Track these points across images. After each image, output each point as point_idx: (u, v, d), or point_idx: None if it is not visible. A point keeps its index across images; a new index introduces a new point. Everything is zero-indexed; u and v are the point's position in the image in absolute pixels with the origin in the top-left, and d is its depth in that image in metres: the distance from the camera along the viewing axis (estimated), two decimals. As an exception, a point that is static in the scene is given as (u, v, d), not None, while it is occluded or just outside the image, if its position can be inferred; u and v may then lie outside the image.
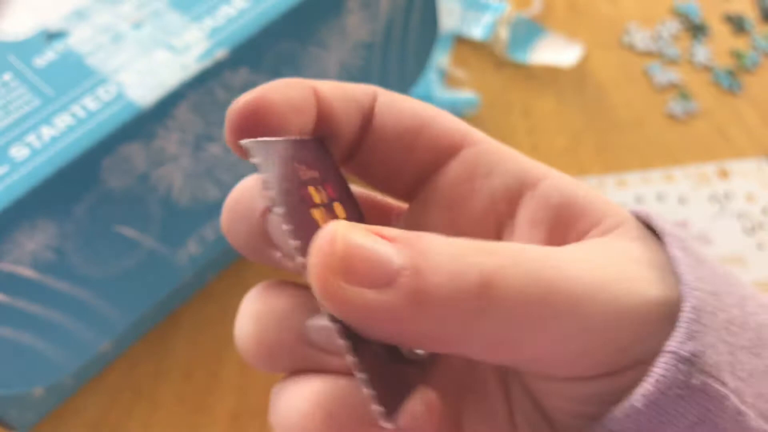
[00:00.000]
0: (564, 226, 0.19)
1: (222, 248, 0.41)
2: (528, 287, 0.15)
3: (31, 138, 0.32)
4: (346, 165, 0.21)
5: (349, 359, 0.15)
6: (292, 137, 0.18)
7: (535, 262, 0.15)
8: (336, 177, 0.19)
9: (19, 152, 0.32)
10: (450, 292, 0.14)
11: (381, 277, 0.14)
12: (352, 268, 0.14)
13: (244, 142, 0.16)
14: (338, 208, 0.18)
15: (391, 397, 0.15)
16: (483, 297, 0.14)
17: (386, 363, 0.16)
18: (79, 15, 0.36)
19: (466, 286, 0.14)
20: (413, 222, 0.21)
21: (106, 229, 0.34)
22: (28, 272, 0.32)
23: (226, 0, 0.37)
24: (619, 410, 0.16)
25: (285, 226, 0.16)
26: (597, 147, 0.55)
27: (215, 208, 0.39)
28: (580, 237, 0.18)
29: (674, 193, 0.53)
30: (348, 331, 0.15)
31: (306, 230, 0.16)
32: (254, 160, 0.16)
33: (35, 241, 0.32)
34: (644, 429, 0.16)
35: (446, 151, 0.20)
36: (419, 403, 0.16)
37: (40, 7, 0.37)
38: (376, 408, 0.15)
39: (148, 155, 0.34)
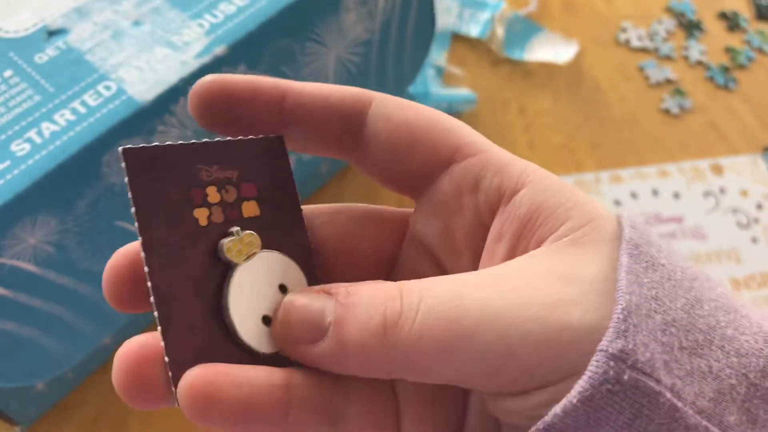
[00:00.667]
0: (526, 235, 0.19)
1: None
2: (426, 324, 0.17)
3: (31, 134, 0.33)
4: (349, 159, 0.22)
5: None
6: (213, 140, 0.20)
7: (437, 299, 0.17)
8: (271, 178, 0.20)
9: (20, 148, 0.32)
10: (360, 338, 0.17)
11: (315, 333, 0.18)
12: (292, 333, 0.18)
13: (121, 149, 0.18)
14: (249, 207, 0.20)
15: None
16: (386, 337, 0.17)
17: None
18: (80, 12, 0.37)
19: (372, 329, 0.17)
20: (417, 229, 0.22)
21: (106, 224, 0.34)
22: (29, 267, 0.33)
23: (225, -3, 0.37)
24: (558, 407, 0.16)
25: (136, 223, 0.18)
26: (592, 143, 0.56)
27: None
28: (538, 244, 0.19)
29: (669, 189, 0.54)
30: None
31: (170, 230, 0.18)
32: (123, 164, 0.18)
33: (36, 235, 0.32)
34: (582, 426, 0.16)
35: (437, 167, 0.21)
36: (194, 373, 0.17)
37: (40, 4, 0.37)
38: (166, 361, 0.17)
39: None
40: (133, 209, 0.18)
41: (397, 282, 0.18)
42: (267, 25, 0.37)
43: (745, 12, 0.64)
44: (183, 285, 0.18)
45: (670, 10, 0.64)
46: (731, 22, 0.63)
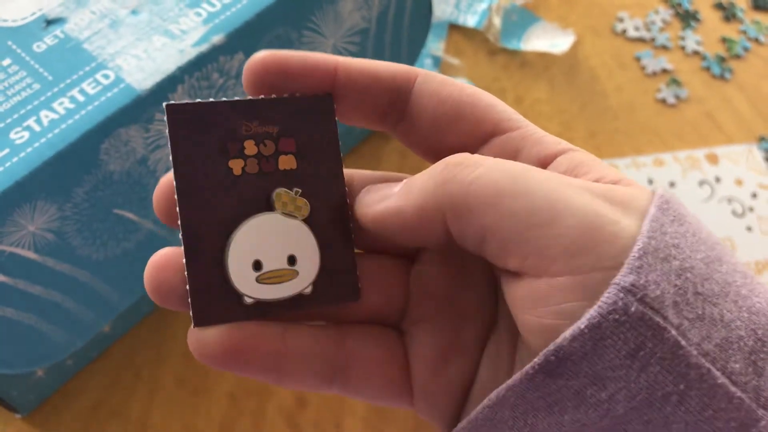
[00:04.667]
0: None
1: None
2: (484, 172, 0.19)
3: (30, 122, 0.33)
4: (393, 131, 0.23)
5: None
6: (258, 97, 0.21)
7: (499, 161, 0.19)
8: (313, 135, 0.22)
9: (19, 136, 0.32)
10: (422, 181, 0.20)
11: (384, 196, 0.21)
12: (364, 200, 0.21)
13: (165, 104, 0.20)
14: (286, 160, 0.21)
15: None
16: (445, 174, 0.19)
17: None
18: (77, 1, 0.37)
19: (435, 171, 0.19)
20: None
21: (105, 212, 0.35)
22: (28, 254, 0.33)
23: (222, -14, 0.37)
24: (568, 331, 0.17)
25: (172, 169, 0.20)
26: (588, 133, 0.56)
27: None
28: None
29: (664, 178, 0.54)
30: None
31: (203, 176, 0.20)
32: (165, 118, 0.20)
33: (36, 223, 0.32)
34: (589, 351, 0.17)
35: (478, 139, 0.22)
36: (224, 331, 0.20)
37: (38, -7, 0.37)
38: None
39: (146, 139, 0.35)
40: (170, 157, 0.20)
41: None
42: (264, 13, 0.37)
43: (741, 2, 0.65)
44: (209, 225, 0.20)
45: (666, 0, 0.64)
46: (727, 12, 0.64)
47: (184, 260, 0.20)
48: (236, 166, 0.21)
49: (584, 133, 0.56)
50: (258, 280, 0.21)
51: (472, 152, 0.21)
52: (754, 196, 0.53)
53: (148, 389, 0.43)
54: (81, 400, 0.42)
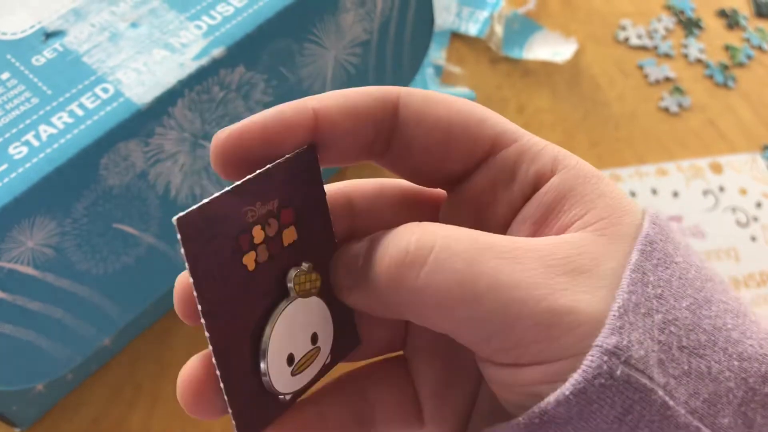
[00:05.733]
0: (550, 221, 0.20)
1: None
2: (433, 277, 0.18)
3: (29, 136, 0.33)
4: (379, 162, 0.21)
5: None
6: (252, 175, 0.19)
7: (449, 253, 0.18)
8: (304, 195, 0.20)
9: (17, 151, 0.32)
10: (378, 272, 0.19)
11: (352, 276, 0.20)
12: (336, 278, 0.21)
13: (175, 219, 0.18)
14: (288, 234, 0.20)
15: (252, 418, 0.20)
16: (396, 276, 0.18)
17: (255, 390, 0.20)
18: (77, 14, 0.37)
19: (387, 264, 0.19)
20: (448, 217, 0.22)
21: (105, 227, 0.34)
22: (28, 270, 0.33)
23: (223, -2, 0.37)
24: (552, 397, 0.17)
25: (194, 292, 0.18)
26: (591, 142, 0.56)
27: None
28: (561, 230, 0.19)
29: (668, 188, 0.54)
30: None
31: (223, 287, 0.19)
32: (178, 236, 0.18)
33: (35, 239, 0.32)
34: (574, 417, 0.17)
35: (474, 159, 0.21)
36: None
37: (37, 6, 0.37)
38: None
39: (146, 153, 0.34)
40: (190, 279, 0.18)
41: (421, 223, 0.19)
42: (265, 26, 0.36)
43: (745, 10, 0.64)
44: (237, 336, 0.19)
45: (669, 8, 0.64)
46: (730, 19, 0.63)
47: (218, 373, 0.19)
48: (249, 261, 0.19)
49: (587, 142, 0.56)
50: (293, 373, 0.20)
51: (469, 174, 0.21)
52: (759, 205, 0.53)
53: (148, 402, 0.43)
54: (81, 414, 0.42)
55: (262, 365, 0.19)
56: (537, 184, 0.20)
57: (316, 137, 0.20)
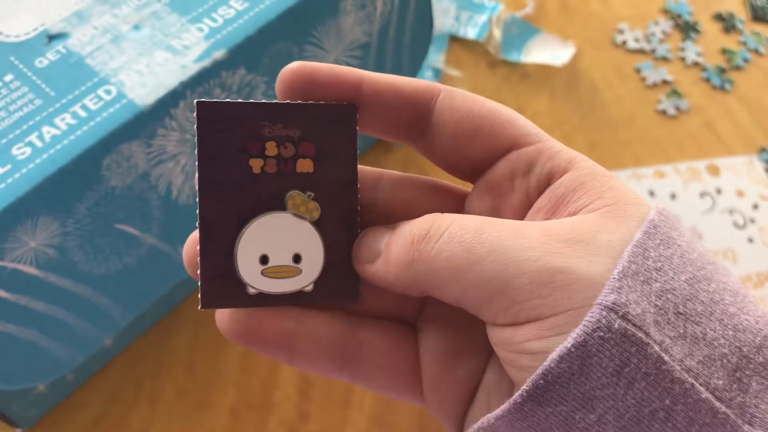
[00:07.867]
0: (561, 209, 0.21)
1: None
2: (445, 245, 0.20)
3: (32, 137, 0.33)
4: (415, 145, 0.24)
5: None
6: (284, 101, 0.22)
7: (461, 228, 0.20)
8: (333, 142, 0.22)
9: (21, 152, 0.32)
10: (396, 253, 0.21)
11: (373, 255, 0.22)
12: (357, 254, 0.23)
13: (196, 101, 0.21)
14: (303, 163, 0.22)
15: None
16: (411, 252, 0.20)
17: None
18: (80, 16, 0.37)
19: (403, 244, 0.21)
20: (471, 205, 0.24)
21: (107, 227, 0.35)
22: (30, 270, 0.33)
23: (224, 1, 0.38)
24: (555, 353, 0.18)
25: (196, 163, 0.21)
26: (589, 144, 0.56)
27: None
28: (569, 216, 0.21)
29: (665, 190, 0.54)
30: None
31: (223, 173, 0.21)
32: (195, 114, 0.21)
33: (37, 239, 0.32)
34: (576, 371, 0.17)
35: (496, 154, 0.22)
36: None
37: (40, 8, 0.37)
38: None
39: (148, 154, 0.35)
40: (196, 150, 0.21)
41: (443, 213, 0.21)
42: (266, 28, 0.37)
43: (741, 13, 0.65)
44: (224, 217, 0.21)
45: (666, 12, 0.64)
46: (727, 23, 0.64)
47: (198, 244, 0.21)
48: (256, 165, 0.22)
49: (585, 144, 0.56)
50: (263, 273, 0.22)
51: (491, 166, 0.23)
52: (756, 207, 0.53)
53: (149, 403, 0.43)
54: (82, 414, 0.42)
55: (235, 248, 0.21)
56: (551, 178, 0.22)
57: (358, 99, 0.22)
